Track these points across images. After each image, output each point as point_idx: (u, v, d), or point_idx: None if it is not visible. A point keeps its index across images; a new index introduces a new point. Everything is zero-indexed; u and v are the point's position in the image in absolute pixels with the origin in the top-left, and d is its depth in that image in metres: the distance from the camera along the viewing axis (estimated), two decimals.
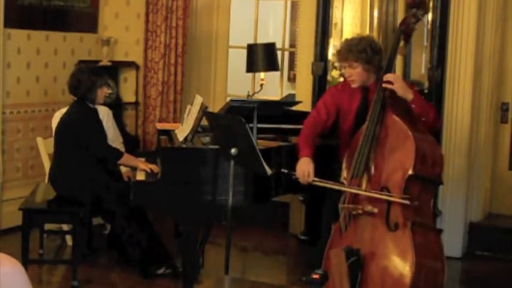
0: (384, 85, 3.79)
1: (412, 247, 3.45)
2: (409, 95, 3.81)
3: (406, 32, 3.91)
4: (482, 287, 5.09)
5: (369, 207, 3.63)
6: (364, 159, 3.68)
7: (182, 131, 4.73)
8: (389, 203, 3.57)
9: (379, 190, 3.62)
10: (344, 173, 3.84)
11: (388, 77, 3.81)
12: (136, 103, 6.62)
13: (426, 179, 3.67)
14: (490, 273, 5.26)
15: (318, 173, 4.03)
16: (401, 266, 3.47)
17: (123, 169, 5.14)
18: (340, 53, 4.12)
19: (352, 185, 3.72)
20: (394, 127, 3.68)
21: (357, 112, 4.12)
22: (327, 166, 4.18)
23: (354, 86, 4.12)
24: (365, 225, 3.65)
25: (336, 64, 5.50)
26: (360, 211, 3.65)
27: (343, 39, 4.47)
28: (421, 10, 3.93)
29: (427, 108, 3.92)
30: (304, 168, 3.97)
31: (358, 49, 4.01)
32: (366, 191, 3.68)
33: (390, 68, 3.86)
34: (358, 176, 3.70)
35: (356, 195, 3.72)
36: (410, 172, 3.55)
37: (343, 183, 3.82)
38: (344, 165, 3.86)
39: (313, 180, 3.92)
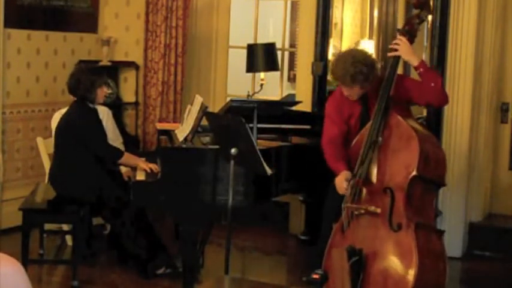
0: (390, 54, 3.84)
1: (416, 248, 3.44)
2: (414, 60, 3.84)
3: (410, 32, 3.92)
4: (482, 287, 5.09)
5: (372, 208, 3.62)
6: (367, 160, 3.67)
7: (182, 131, 4.73)
8: (392, 203, 3.57)
9: (382, 190, 3.62)
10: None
11: (392, 45, 3.84)
12: (136, 103, 6.61)
13: (429, 180, 3.66)
14: (490, 273, 5.26)
15: (319, 173, 4.09)
16: (404, 266, 3.46)
17: (123, 169, 5.14)
18: (336, 75, 4.00)
19: (355, 185, 3.72)
20: (397, 127, 3.67)
21: (359, 121, 4.10)
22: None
23: (353, 99, 4.08)
24: (367, 225, 3.64)
25: None
26: (363, 211, 3.65)
27: (335, 56, 4.29)
28: (425, 11, 3.94)
29: (434, 74, 3.94)
30: (338, 182, 3.91)
31: (355, 71, 3.88)
32: None
33: (395, 70, 3.85)
34: (362, 176, 3.69)
35: (359, 195, 3.71)
36: (414, 173, 3.55)
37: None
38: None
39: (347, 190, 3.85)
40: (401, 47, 3.83)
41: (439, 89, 3.86)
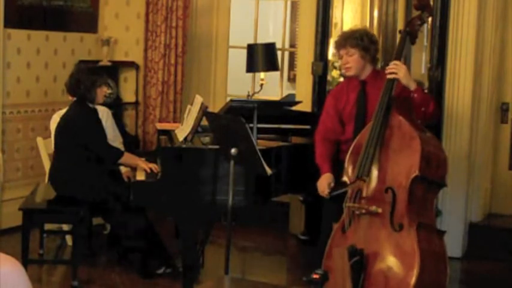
0: (389, 76, 3.85)
1: (417, 248, 3.43)
2: (412, 85, 3.87)
3: (411, 33, 3.93)
4: (482, 287, 5.09)
5: (373, 207, 3.61)
6: (369, 160, 3.67)
7: (182, 131, 4.73)
8: (394, 203, 3.56)
9: (384, 190, 3.61)
10: (349, 173, 3.83)
11: (391, 68, 3.85)
12: (136, 103, 6.62)
13: (431, 181, 3.66)
14: (490, 273, 5.25)
15: (319, 173, 4.16)
16: (406, 267, 3.45)
17: (123, 169, 5.14)
18: (338, 42, 4.26)
19: (357, 185, 3.72)
20: (399, 128, 3.68)
21: (355, 105, 4.17)
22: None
23: (349, 73, 4.23)
24: (368, 225, 3.63)
25: (336, 64, 5.53)
26: (364, 211, 3.65)
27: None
28: (427, 13, 3.96)
29: (427, 99, 3.97)
30: (320, 184, 4.14)
31: (355, 36, 4.17)
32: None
33: (391, 87, 3.85)
34: (364, 176, 3.69)
35: (360, 194, 3.71)
36: (416, 173, 3.54)
37: (345, 183, 3.82)
38: (347, 164, 3.85)
39: (329, 193, 4.06)
40: (401, 71, 3.84)
41: (428, 114, 3.92)
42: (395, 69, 3.84)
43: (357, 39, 4.15)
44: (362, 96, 4.18)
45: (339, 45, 4.24)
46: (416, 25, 3.95)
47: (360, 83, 4.21)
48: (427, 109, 3.89)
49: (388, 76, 3.86)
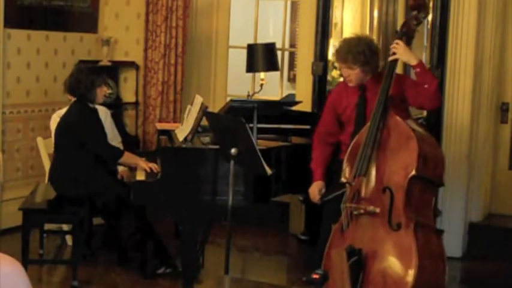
0: (390, 58, 3.88)
1: (415, 247, 3.44)
2: (412, 60, 3.89)
3: (407, 34, 3.94)
4: (482, 287, 5.09)
5: (370, 207, 3.61)
6: (366, 160, 3.68)
7: (182, 131, 4.73)
8: (392, 203, 3.57)
9: (382, 190, 3.62)
10: (346, 173, 3.83)
11: (391, 48, 3.89)
12: (136, 103, 6.61)
13: (428, 180, 3.67)
14: (490, 273, 5.26)
15: None
16: (404, 266, 3.45)
17: (119, 168, 5.13)
18: (339, 54, 4.14)
19: (355, 185, 3.72)
20: (396, 128, 3.68)
21: (355, 110, 4.16)
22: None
23: (350, 85, 4.18)
24: (366, 225, 3.64)
25: (336, 64, 5.52)
26: (362, 211, 3.65)
27: (342, 39, 4.51)
28: (423, 13, 3.95)
29: (430, 76, 3.98)
30: (311, 191, 4.21)
31: (358, 50, 4.04)
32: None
33: (392, 71, 3.86)
34: (361, 175, 3.70)
35: (358, 195, 3.72)
36: (413, 173, 3.55)
37: (343, 184, 3.82)
38: (345, 165, 3.86)
39: (320, 199, 4.16)
40: (399, 49, 3.87)
41: (431, 92, 3.89)
42: (393, 50, 3.87)
43: (359, 54, 4.02)
44: (362, 102, 4.13)
45: (340, 59, 4.13)
46: (412, 25, 3.95)
47: (359, 88, 4.17)
48: (430, 86, 3.87)
49: (389, 58, 3.88)
